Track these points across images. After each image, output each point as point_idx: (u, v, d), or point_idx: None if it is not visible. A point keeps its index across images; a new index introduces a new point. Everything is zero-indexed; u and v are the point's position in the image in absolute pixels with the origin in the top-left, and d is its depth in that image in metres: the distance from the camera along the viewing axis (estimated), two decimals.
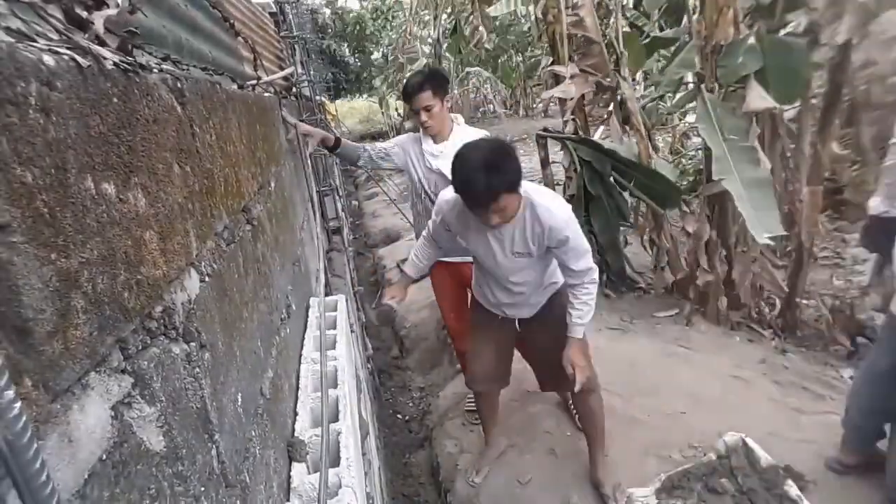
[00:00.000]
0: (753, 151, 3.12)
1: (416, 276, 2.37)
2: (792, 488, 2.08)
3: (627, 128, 4.16)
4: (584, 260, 1.96)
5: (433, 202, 2.28)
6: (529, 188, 1.89)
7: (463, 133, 2.57)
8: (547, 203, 1.87)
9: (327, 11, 16.81)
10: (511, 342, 2.40)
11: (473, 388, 2.51)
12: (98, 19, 0.70)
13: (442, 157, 2.49)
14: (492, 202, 1.70)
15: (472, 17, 5.93)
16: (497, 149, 1.74)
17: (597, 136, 4.38)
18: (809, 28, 3.13)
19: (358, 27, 16.58)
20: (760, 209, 2.96)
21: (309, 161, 2.89)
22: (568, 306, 2.06)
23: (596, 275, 2.02)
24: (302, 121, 2.83)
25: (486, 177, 1.65)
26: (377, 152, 2.69)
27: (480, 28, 6.02)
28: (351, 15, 16.61)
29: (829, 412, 2.64)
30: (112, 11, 0.72)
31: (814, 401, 2.76)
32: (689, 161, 6.76)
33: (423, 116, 2.45)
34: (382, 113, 15.13)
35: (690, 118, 7.12)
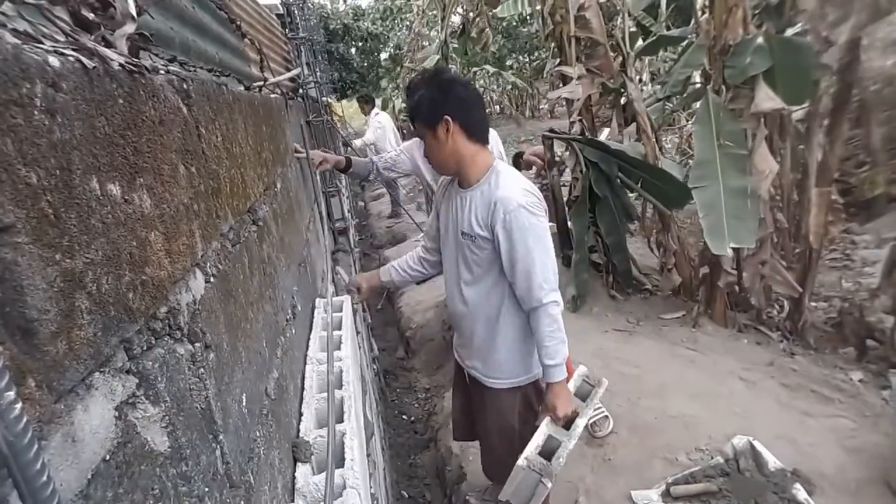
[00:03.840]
0: (745, 160, 3.12)
1: (385, 281, 2.11)
2: (800, 492, 2.06)
3: (635, 130, 4.15)
4: (542, 275, 1.63)
5: None
6: (501, 165, 1.75)
7: None
8: (510, 178, 1.68)
9: (340, 6, 16.75)
10: (466, 397, 2.13)
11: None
12: (119, 39, 0.70)
13: None
14: (413, 123, 1.72)
15: (477, 18, 5.92)
16: (425, 75, 1.73)
17: (603, 136, 4.37)
18: (805, 29, 3.13)
19: (367, 33, 16.58)
20: (735, 218, 2.98)
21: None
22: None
23: (554, 308, 1.66)
24: (308, 122, 2.83)
25: (409, 98, 1.70)
26: (384, 163, 2.65)
27: (487, 30, 6.04)
28: (363, 24, 16.59)
29: (838, 415, 2.61)
30: (131, 28, 0.72)
31: (822, 404, 2.73)
32: None
33: None
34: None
35: None
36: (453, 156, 1.69)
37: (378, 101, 10.25)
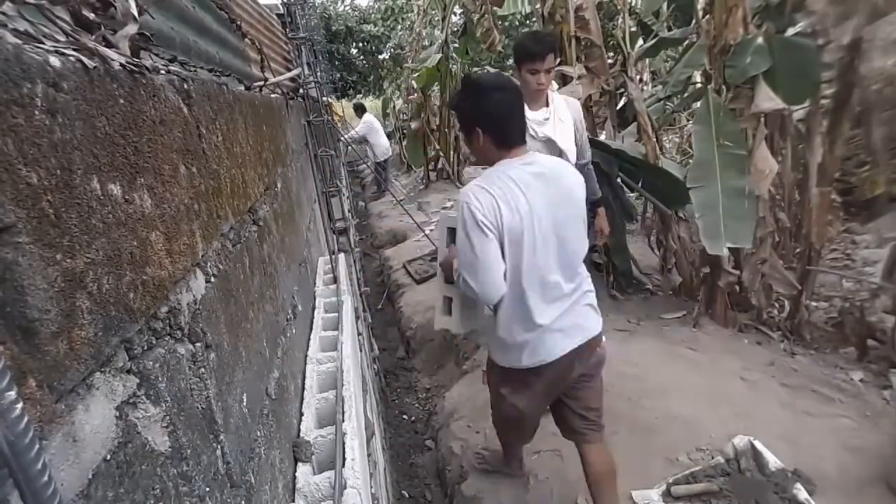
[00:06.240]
0: (744, 160, 3.12)
1: None
2: (801, 492, 2.06)
3: (636, 130, 4.15)
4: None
5: None
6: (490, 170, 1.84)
7: (559, 98, 2.57)
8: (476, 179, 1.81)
9: (340, 7, 16.67)
10: None
11: None
12: (122, 40, 0.70)
13: (548, 124, 2.48)
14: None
15: (483, 18, 5.88)
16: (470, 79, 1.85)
17: (602, 136, 4.36)
18: (813, 30, 3.12)
19: (370, 35, 16.52)
20: (733, 218, 2.98)
21: (316, 162, 2.90)
22: None
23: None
24: (308, 122, 2.83)
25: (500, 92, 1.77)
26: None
27: (493, 30, 6.00)
28: (367, 27, 16.54)
29: (839, 415, 2.61)
30: (133, 29, 0.72)
31: (823, 403, 2.73)
32: None
33: (542, 79, 2.37)
34: (387, 114, 15.10)
35: None
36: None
37: (368, 105, 13.53)
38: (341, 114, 12.86)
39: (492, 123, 1.75)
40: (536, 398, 2.00)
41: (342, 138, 6.45)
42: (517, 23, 14.65)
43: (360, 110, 11.02)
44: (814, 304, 3.66)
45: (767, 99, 3.01)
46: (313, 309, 2.13)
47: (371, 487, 1.62)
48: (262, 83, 1.84)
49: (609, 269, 4.25)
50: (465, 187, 1.74)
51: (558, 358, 1.83)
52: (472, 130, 1.77)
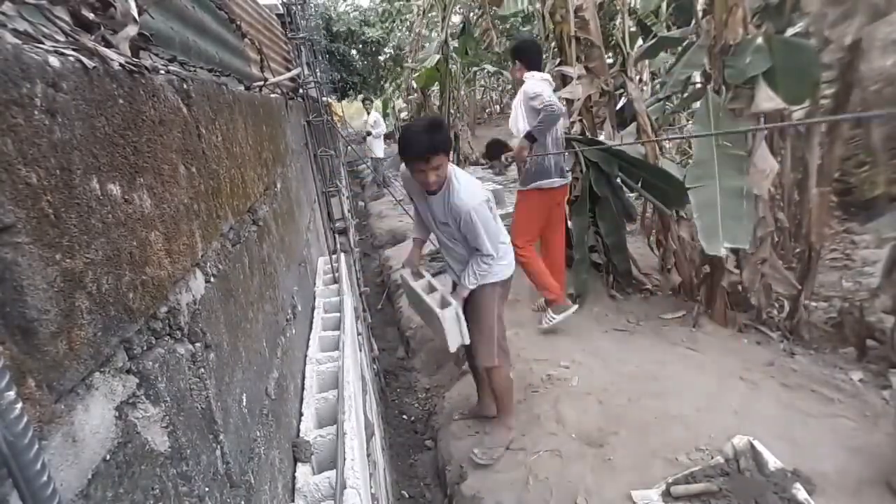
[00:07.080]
0: (743, 160, 3.12)
1: (423, 238, 2.79)
2: (800, 492, 2.06)
3: (635, 130, 4.15)
4: (484, 245, 2.35)
5: None
6: (456, 170, 2.36)
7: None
8: (460, 186, 2.30)
9: (342, 7, 16.69)
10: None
11: None
12: (123, 41, 0.70)
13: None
14: (429, 157, 2.16)
15: (481, 19, 5.88)
16: (434, 119, 2.35)
17: (602, 136, 4.36)
18: (808, 30, 3.12)
19: (370, 39, 16.53)
20: (731, 218, 2.97)
21: (315, 162, 2.90)
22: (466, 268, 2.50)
23: (490, 259, 2.41)
24: (308, 122, 2.84)
25: (426, 136, 2.16)
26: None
27: (490, 30, 6.00)
28: (367, 30, 16.55)
29: (838, 415, 2.61)
30: (133, 30, 0.72)
31: (822, 403, 2.73)
32: None
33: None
34: (387, 114, 15.14)
35: None
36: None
37: (378, 102, 14.09)
38: (341, 114, 12.92)
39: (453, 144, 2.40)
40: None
41: (353, 134, 6.48)
42: (518, 23, 14.66)
43: (368, 101, 11.76)
44: (813, 304, 3.66)
45: (767, 99, 3.01)
46: (313, 309, 2.13)
47: (371, 487, 1.62)
48: (261, 83, 1.84)
49: (609, 269, 4.25)
50: (471, 194, 2.29)
51: None
52: (448, 154, 2.26)
